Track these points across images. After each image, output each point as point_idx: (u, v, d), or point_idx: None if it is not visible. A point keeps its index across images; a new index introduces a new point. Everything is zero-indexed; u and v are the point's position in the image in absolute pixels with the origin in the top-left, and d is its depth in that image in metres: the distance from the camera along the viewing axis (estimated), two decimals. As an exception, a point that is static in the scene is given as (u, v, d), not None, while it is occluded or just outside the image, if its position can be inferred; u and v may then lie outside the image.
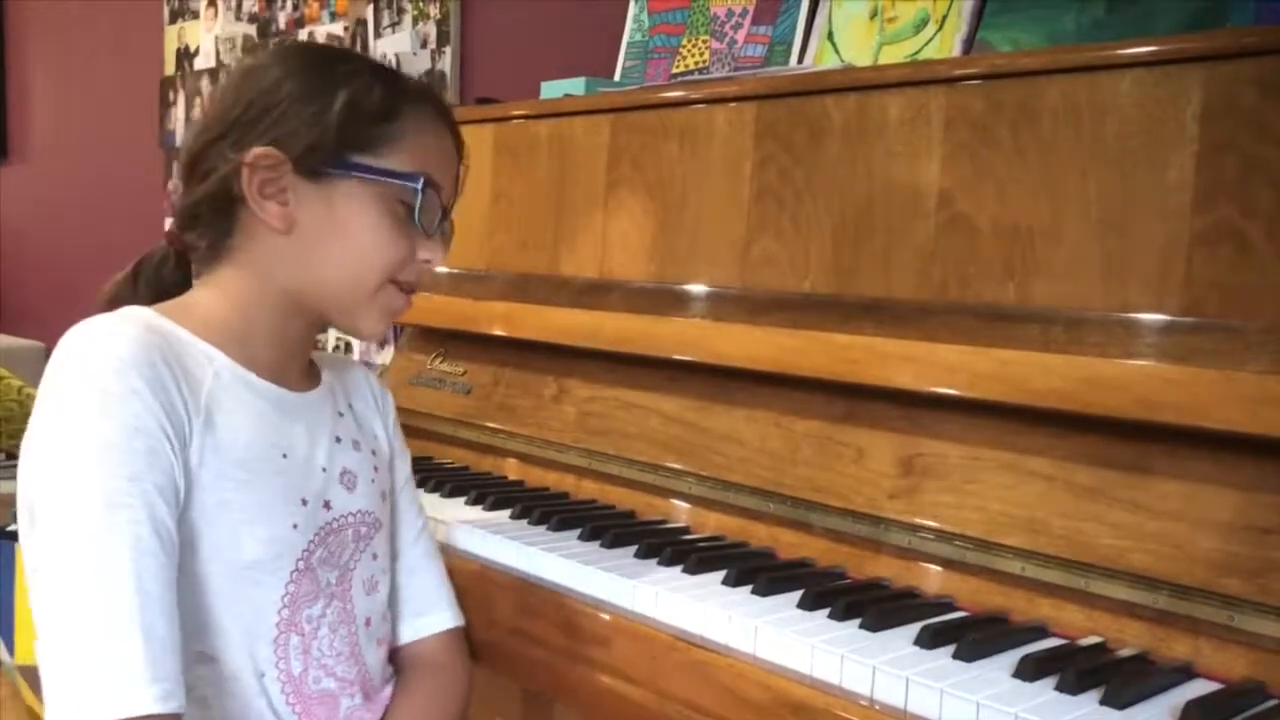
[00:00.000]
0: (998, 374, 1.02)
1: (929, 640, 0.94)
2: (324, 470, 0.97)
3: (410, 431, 1.71)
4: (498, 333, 1.54)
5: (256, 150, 0.90)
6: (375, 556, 1.03)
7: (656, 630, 1.02)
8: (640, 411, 1.38)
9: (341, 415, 1.04)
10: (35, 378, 3.56)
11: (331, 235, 0.94)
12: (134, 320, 0.88)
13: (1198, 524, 0.92)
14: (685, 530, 1.28)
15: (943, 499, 1.07)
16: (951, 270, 1.14)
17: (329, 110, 0.92)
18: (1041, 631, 0.98)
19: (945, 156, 1.16)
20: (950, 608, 1.04)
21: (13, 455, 3.16)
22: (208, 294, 0.97)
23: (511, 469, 1.52)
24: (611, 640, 1.06)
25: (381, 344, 2.53)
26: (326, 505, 0.97)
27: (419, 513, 1.14)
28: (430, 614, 1.10)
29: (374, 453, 1.06)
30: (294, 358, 1.00)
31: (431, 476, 1.46)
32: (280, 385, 0.96)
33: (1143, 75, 1.02)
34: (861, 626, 0.98)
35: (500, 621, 1.15)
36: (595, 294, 1.50)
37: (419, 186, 0.94)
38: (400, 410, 1.69)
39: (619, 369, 1.41)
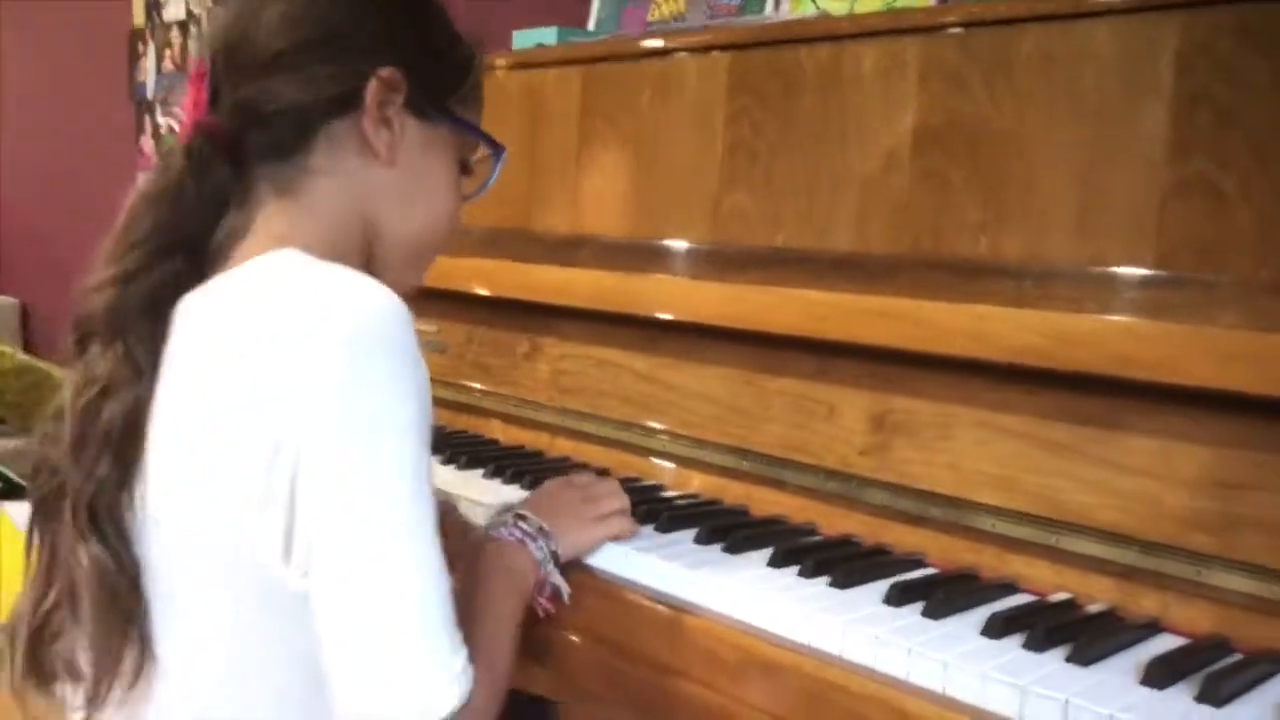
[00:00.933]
0: (970, 329, 1.01)
1: (898, 597, 0.93)
2: None
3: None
4: (471, 290, 1.52)
5: (390, 69, 0.84)
6: None
7: (624, 589, 1.02)
8: (613, 369, 1.36)
9: None
10: (10, 335, 3.50)
11: (426, 180, 0.90)
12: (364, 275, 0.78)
13: (1167, 480, 0.91)
14: (659, 488, 1.27)
15: (914, 455, 1.06)
16: (925, 224, 1.13)
17: (449, 51, 0.89)
18: (1011, 588, 0.98)
19: (920, 108, 1.14)
20: (920, 564, 1.04)
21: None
22: (301, 213, 0.84)
23: (490, 428, 1.51)
24: (584, 601, 1.05)
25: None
26: None
27: None
28: None
29: None
30: None
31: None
32: None
33: (1118, 23, 1.00)
34: (831, 584, 0.97)
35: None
36: (568, 250, 1.48)
37: (501, 154, 0.95)
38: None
39: (592, 327, 1.39)
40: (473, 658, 0.75)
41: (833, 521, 1.13)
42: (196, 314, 0.79)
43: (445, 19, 0.91)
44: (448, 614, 0.74)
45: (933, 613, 0.91)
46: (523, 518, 0.96)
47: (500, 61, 1.64)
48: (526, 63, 1.59)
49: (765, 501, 1.19)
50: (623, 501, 1.06)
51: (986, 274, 1.07)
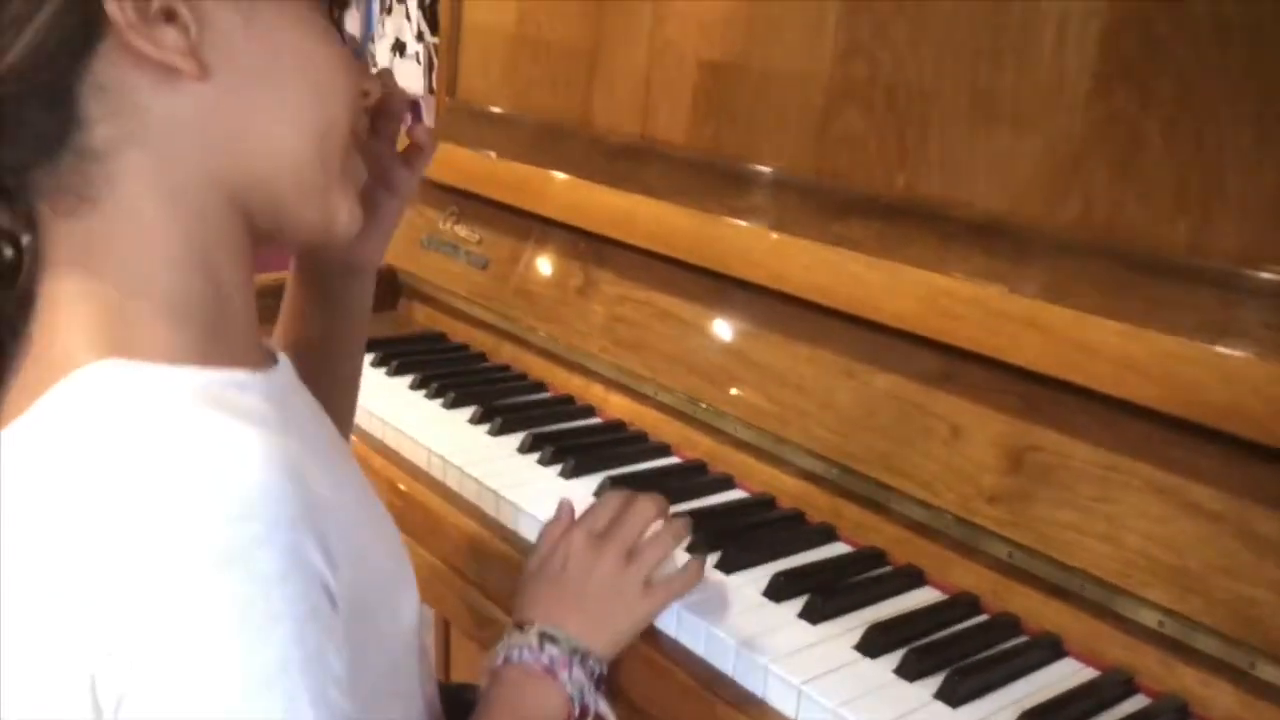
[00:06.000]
0: (1156, 371, 0.73)
1: (1030, 732, 0.71)
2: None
3: (423, 299, 1.49)
4: (517, 205, 1.26)
5: None
6: None
7: (670, 663, 0.81)
8: (679, 325, 1.11)
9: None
10: None
11: (271, 72, 0.56)
12: (217, 401, 0.52)
13: None
14: (728, 482, 1.04)
15: (1061, 516, 0.81)
16: (1101, 192, 0.83)
17: None
18: (1183, 713, 0.74)
19: (1114, 17, 0.82)
20: (1057, 650, 0.81)
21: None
22: (107, 244, 0.54)
23: (533, 366, 1.28)
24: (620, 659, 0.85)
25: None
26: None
27: None
28: None
29: None
30: (248, 311, 0.62)
31: (435, 378, 1.23)
32: (269, 366, 0.62)
33: None
34: (938, 695, 0.75)
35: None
36: (633, 160, 1.20)
37: None
38: (409, 275, 1.46)
39: (656, 266, 1.13)
40: None
41: (944, 568, 0.89)
42: None
43: None
44: None
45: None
46: (550, 638, 0.72)
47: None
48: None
49: (857, 524, 0.95)
50: (675, 534, 0.82)
51: (1183, 277, 0.77)
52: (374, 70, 0.75)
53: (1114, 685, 0.77)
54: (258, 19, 0.55)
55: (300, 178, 0.59)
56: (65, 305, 0.53)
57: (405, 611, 0.68)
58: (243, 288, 0.59)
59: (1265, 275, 0.74)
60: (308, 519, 0.48)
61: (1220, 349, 0.72)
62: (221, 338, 0.57)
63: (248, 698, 0.45)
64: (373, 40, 2.04)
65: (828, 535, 0.95)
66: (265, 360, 0.63)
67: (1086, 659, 0.80)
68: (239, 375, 0.56)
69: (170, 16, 0.52)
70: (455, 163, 1.37)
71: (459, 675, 1.58)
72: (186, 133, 0.54)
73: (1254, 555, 0.72)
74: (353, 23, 2.04)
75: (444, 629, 1.59)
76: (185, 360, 0.53)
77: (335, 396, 0.81)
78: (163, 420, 0.49)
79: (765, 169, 1.08)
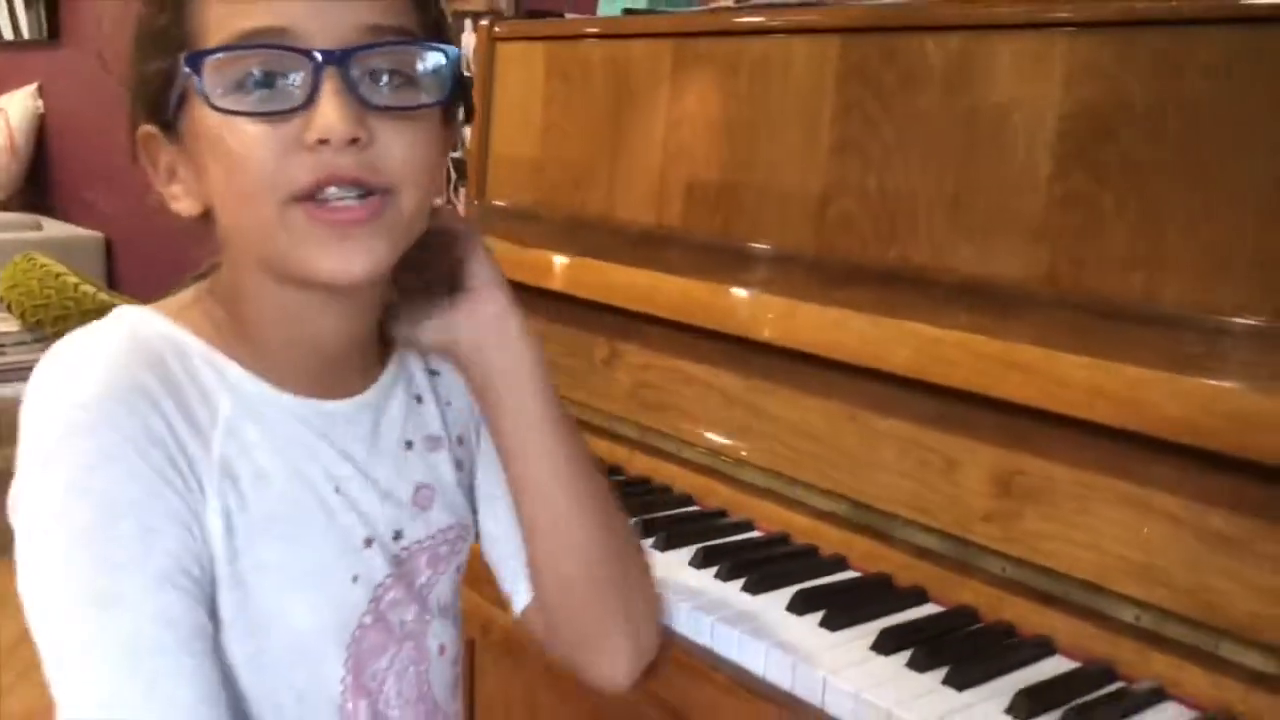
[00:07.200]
0: (1122, 396, 0.86)
1: (1027, 708, 0.81)
2: (389, 495, 0.76)
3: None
4: (547, 286, 1.40)
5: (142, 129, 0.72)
6: (459, 569, 0.83)
7: (705, 665, 0.91)
8: (700, 387, 1.24)
9: (419, 401, 0.80)
10: (95, 269, 3.47)
11: (209, 162, 0.68)
12: (127, 332, 0.68)
13: (1360, 597, 0.77)
14: (748, 525, 1.16)
15: (1047, 529, 0.93)
16: (1065, 254, 0.98)
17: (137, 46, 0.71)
18: (1159, 695, 0.85)
19: (1065, 115, 0.98)
20: (1049, 649, 0.92)
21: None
22: (203, 284, 0.75)
23: (560, 434, 1.40)
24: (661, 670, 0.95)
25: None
26: (397, 536, 0.76)
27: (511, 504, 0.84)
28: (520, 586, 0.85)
29: (460, 440, 0.83)
30: (338, 357, 0.74)
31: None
32: (322, 396, 0.74)
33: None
34: (947, 681, 0.86)
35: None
36: (652, 246, 1.35)
37: (196, 63, 0.65)
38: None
39: (677, 335, 1.27)
40: None
41: (945, 588, 1.00)
42: None
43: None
44: None
45: (1068, 731, 0.79)
46: None
47: (584, 29, 1.49)
48: (613, 32, 1.45)
49: (866, 554, 1.07)
50: None
51: (1139, 321, 0.92)
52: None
53: (1097, 674, 0.88)
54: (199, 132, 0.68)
55: (260, 239, 0.68)
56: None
57: (325, 672, 0.73)
58: (277, 317, 0.72)
59: (1206, 316, 0.89)
60: (147, 433, 0.65)
61: (1173, 374, 0.85)
62: (272, 351, 0.72)
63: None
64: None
65: (839, 565, 1.07)
66: (351, 385, 0.76)
67: (1073, 655, 0.91)
68: (215, 355, 0.71)
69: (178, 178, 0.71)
70: (487, 254, 1.51)
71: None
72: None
73: (1211, 550, 0.84)
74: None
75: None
76: (198, 334, 0.71)
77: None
78: (102, 333, 0.68)
79: (770, 248, 1.23)
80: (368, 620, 0.75)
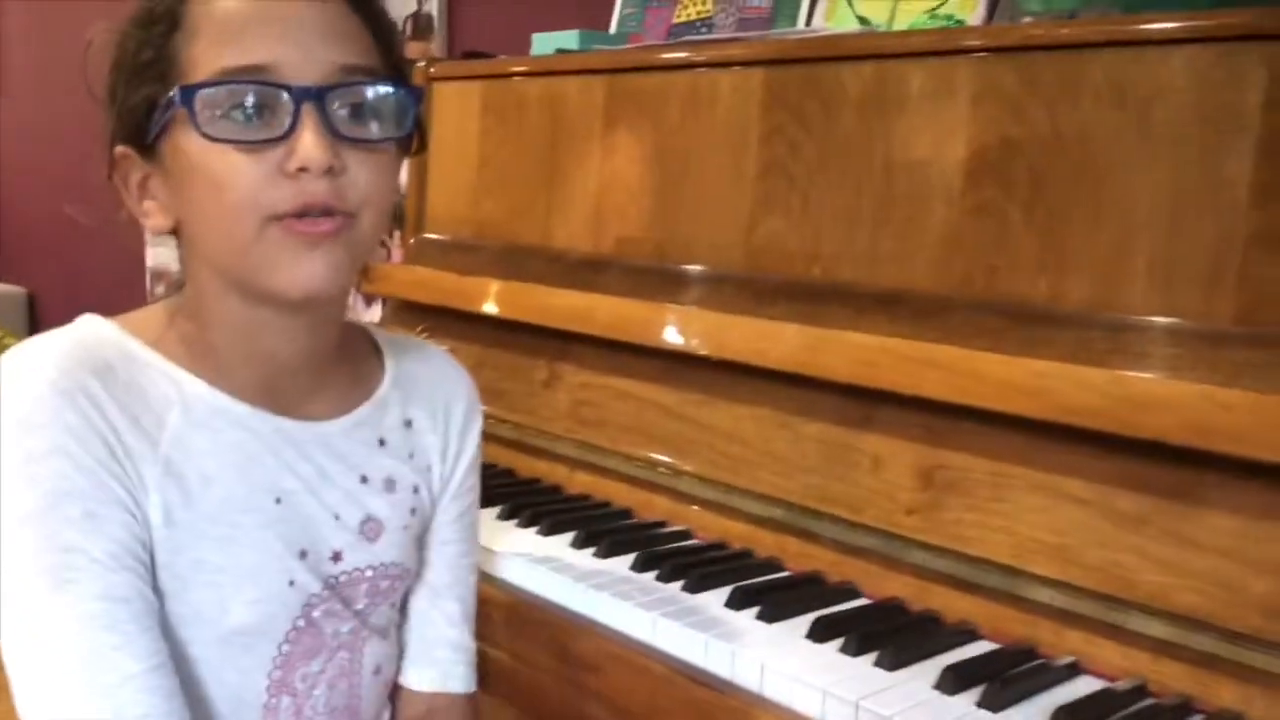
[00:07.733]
0: (1029, 386, 0.93)
1: (953, 683, 0.86)
2: (336, 518, 0.81)
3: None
4: (486, 311, 1.44)
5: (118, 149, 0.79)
6: (394, 606, 0.89)
7: (650, 658, 0.94)
8: (636, 402, 1.29)
9: (382, 444, 0.85)
10: (17, 324, 3.42)
11: (192, 186, 0.74)
12: (77, 339, 0.74)
13: (1252, 563, 0.83)
14: (686, 534, 1.20)
15: (966, 517, 0.99)
16: (977, 262, 1.05)
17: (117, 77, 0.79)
18: (1074, 670, 0.91)
19: (973, 136, 1.05)
20: (973, 635, 0.97)
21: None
22: (176, 298, 0.81)
23: (503, 458, 1.44)
24: (603, 666, 0.98)
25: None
26: (336, 557, 0.81)
27: (469, 551, 0.94)
28: (452, 672, 0.92)
29: (416, 490, 0.87)
30: (296, 373, 0.80)
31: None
32: (278, 411, 0.79)
33: (1197, 52, 0.92)
34: (878, 664, 0.90)
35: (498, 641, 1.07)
36: (590, 271, 1.39)
37: (189, 96, 0.71)
38: (384, 388, 1.61)
39: (614, 354, 1.31)
40: None
41: (874, 581, 1.05)
42: None
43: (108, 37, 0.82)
44: None
45: (991, 702, 0.83)
46: None
47: (520, 67, 1.55)
48: (547, 70, 1.51)
49: (801, 555, 1.11)
50: None
51: (1046, 321, 0.98)
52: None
53: (1018, 653, 0.93)
54: (179, 154, 0.74)
55: (234, 252, 0.73)
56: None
57: (253, 667, 0.78)
58: (237, 331, 0.78)
59: (1106, 314, 0.95)
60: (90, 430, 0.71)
61: (1076, 365, 0.91)
62: (232, 366, 0.78)
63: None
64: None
65: (774, 566, 1.11)
66: (318, 409, 0.82)
67: (996, 638, 0.96)
68: (169, 367, 0.76)
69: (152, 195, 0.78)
70: (424, 282, 1.55)
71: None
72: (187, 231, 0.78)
73: (1118, 528, 0.90)
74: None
75: None
76: (157, 344, 0.76)
77: None
78: (53, 339, 0.73)
79: (702, 268, 1.28)
80: (301, 624, 0.80)
